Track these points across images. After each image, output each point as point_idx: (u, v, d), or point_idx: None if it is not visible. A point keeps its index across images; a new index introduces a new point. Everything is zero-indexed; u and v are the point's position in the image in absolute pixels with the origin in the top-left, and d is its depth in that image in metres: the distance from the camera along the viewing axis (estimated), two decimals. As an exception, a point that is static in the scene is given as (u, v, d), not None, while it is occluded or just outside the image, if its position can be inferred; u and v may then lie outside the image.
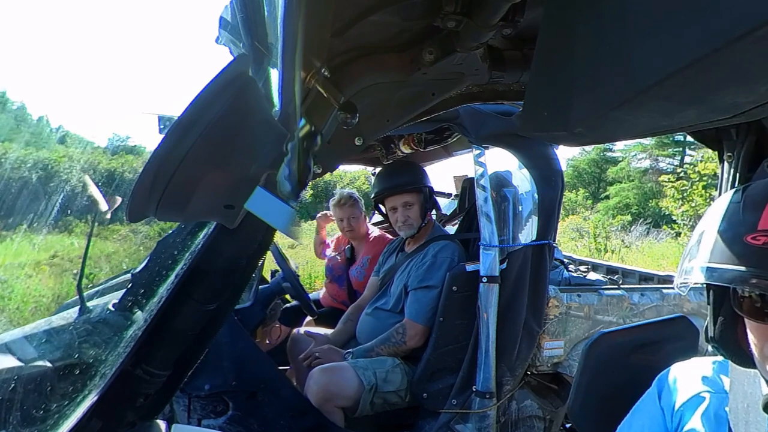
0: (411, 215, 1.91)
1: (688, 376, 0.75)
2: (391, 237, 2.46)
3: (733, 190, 0.61)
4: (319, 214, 2.83)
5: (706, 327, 0.66)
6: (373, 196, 2.03)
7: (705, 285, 0.62)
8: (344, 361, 1.74)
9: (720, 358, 0.70)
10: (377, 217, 3.01)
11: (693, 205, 9.58)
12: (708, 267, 0.57)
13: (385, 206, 2.00)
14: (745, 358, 0.62)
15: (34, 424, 0.76)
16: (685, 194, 9.85)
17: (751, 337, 0.59)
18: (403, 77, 0.80)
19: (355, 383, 1.65)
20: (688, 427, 0.70)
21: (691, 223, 9.59)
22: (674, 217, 10.40)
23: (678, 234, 10.50)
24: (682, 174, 10.62)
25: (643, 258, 8.70)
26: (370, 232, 2.55)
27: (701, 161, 9.73)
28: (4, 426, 0.76)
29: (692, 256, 0.61)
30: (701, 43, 0.31)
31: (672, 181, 10.35)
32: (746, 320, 0.59)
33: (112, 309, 0.94)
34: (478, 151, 1.72)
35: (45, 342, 0.96)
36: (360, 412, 1.65)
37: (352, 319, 2.07)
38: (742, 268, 0.53)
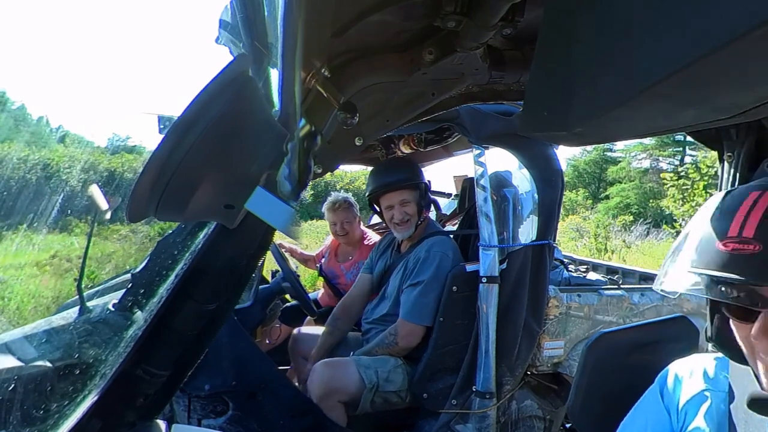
0: (408, 212, 1.84)
1: (690, 374, 0.75)
2: None
3: (722, 192, 0.62)
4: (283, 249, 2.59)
5: (707, 327, 0.67)
6: (367, 194, 1.95)
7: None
8: (348, 357, 1.73)
9: (721, 354, 0.70)
10: (375, 220, 2.99)
11: (694, 204, 9.55)
12: (690, 272, 0.58)
13: (380, 205, 1.93)
14: (742, 356, 0.62)
15: (34, 424, 0.76)
16: (686, 193, 9.82)
17: (736, 335, 0.60)
18: (403, 77, 0.80)
19: (357, 381, 1.65)
20: (693, 426, 0.70)
21: (692, 223, 9.55)
22: (675, 217, 10.37)
23: (678, 234, 10.45)
24: (683, 173, 10.59)
25: (644, 258, 8.71)
26: (366, 235, 2.52)
27: (706, 158, 9.68)
28: (4, 426, 0.76)
29: (674, 260, 0.63)
30: (701, 43, 0.31)
31: (673, 179, 10.33)
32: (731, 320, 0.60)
33: (112, 309, 0.94)
34: (478, 151, 1.72)
35: (45, 342, 0.96)
36: (360, 410, 1.65)
37: (340, 317, 1.99)
38: (714, 273, 0.54)
